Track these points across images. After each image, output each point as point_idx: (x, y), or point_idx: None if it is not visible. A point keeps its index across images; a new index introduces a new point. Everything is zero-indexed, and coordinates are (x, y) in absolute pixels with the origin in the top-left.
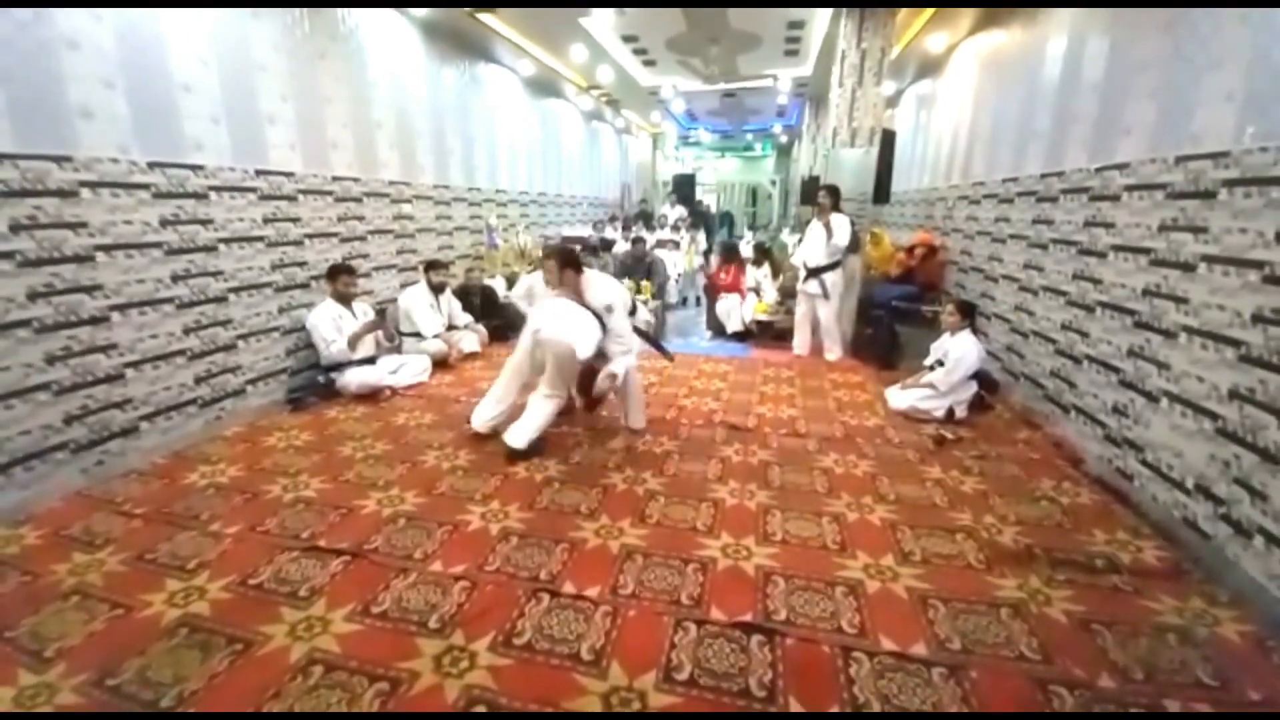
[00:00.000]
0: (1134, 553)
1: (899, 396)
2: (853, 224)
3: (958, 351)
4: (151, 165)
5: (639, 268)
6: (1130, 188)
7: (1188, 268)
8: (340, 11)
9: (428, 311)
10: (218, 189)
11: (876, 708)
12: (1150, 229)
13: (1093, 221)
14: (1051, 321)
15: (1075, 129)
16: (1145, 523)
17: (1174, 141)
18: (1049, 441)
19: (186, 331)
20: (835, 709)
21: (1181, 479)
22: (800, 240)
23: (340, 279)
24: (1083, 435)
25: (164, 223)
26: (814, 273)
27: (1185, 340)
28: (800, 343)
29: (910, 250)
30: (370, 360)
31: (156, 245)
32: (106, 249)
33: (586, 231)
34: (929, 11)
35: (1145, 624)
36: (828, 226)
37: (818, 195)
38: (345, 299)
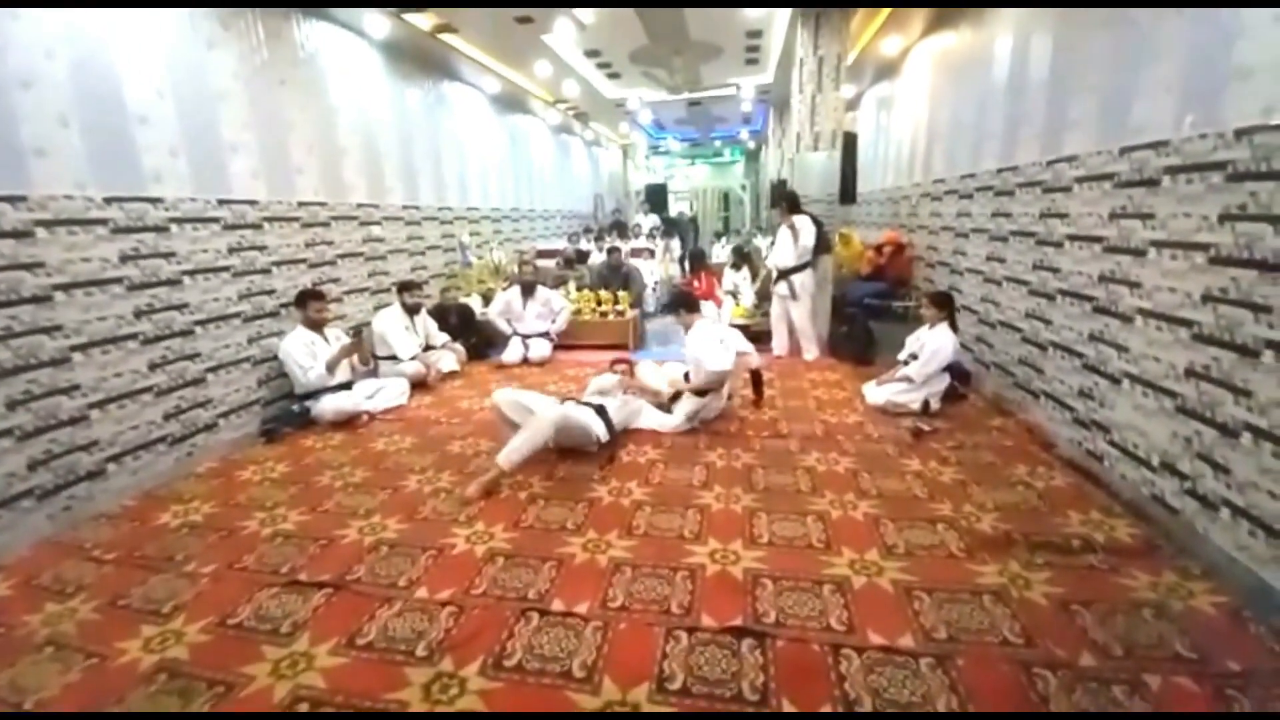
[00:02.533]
0: (1108, 532)
1: (876, 392)
2: (819, 224)
3: (934, 344)
4: (108, 200)
5: (616, 277)
6: (1080, 179)
7: (1138, 253)
8: (299, 36)
9: (403, 334)
10: (179, 220)
11: (868, 703)
12: (1101, 218)
13: (1048, 213)
14: (1016, 311)
15: (1026, 124)
16: (1117, 501)
17: (1118, 133)
18: (1021, 428)
19: (152, 368)
20: (827, 707)
21: (1147, 457)
22: (772, 243)
23: (310, 305)
24: (1053, 420)
25: (124, 258)
26: (783, 274)
27: (1141, 323)
28: (778, 344)
29: (879, 249)
30: (346, 386)
31: (117, 281)
32: (65, 288)
33: (561, 244)
34: (882, 16)
35: (1122, 601)
36: (793, 229)
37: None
38: (317, 325)
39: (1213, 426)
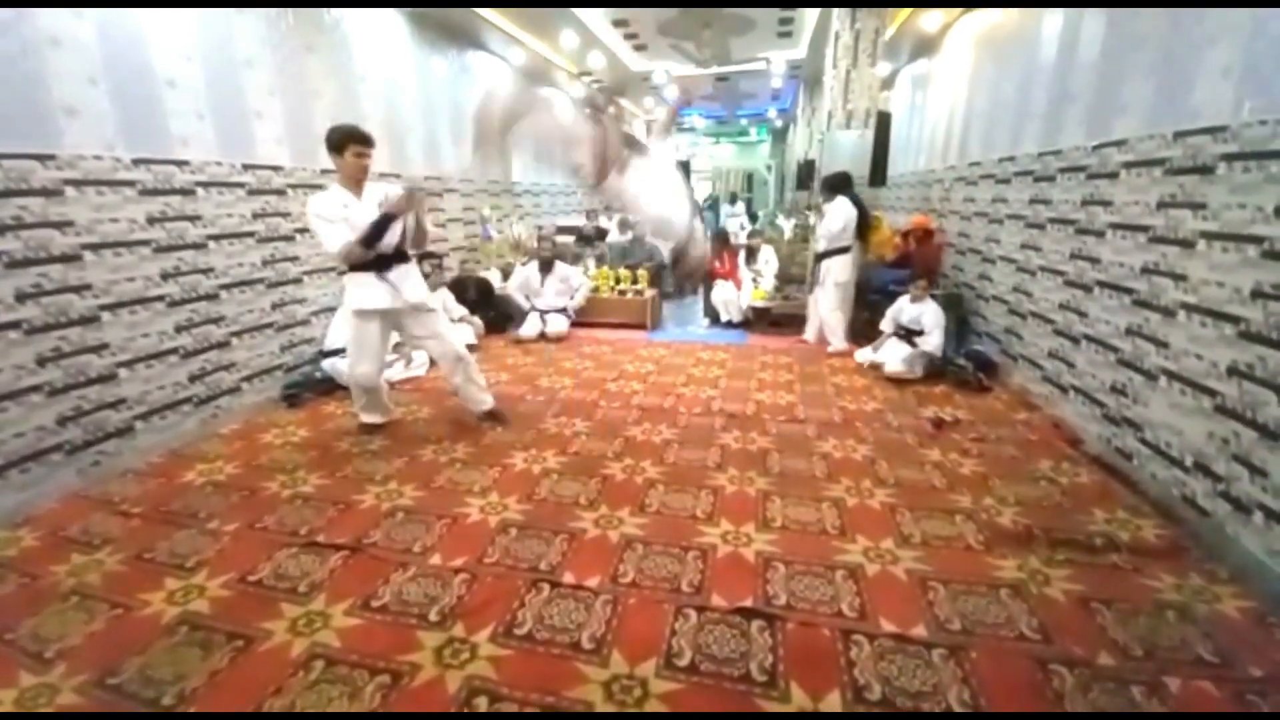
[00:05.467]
0: (1133, 531)
1: (888, 361)
2: (860, 207)
3: (934, 315)
4: (136, 162)
5: (639, 252)
6: (1128, 164)
7: (1186, 244)
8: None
9: None
10: (205, 184)
11: (877, 690)
12: (1148, 206)
13: (1090, 200)
14: (1049, 302)
15: (1072, 106)
16: (1144, 501)
17: (1172, 117)
18: (1048, 422)
19: (179, 330)
20: (836, 692)
21: (1180, 457)
22: (812, 227)
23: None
24: (1081, 415)
25: (151, 220)
26: (818, 259)
27: (1184, 318)
28: (811, 330)
29: (906, 235)
30: None
31: (144, 243)
32: (94, 248)
33: (581, 221)
34: None
35: (1145, 602)
36: (821, 212)
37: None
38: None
39: (1254, 428)
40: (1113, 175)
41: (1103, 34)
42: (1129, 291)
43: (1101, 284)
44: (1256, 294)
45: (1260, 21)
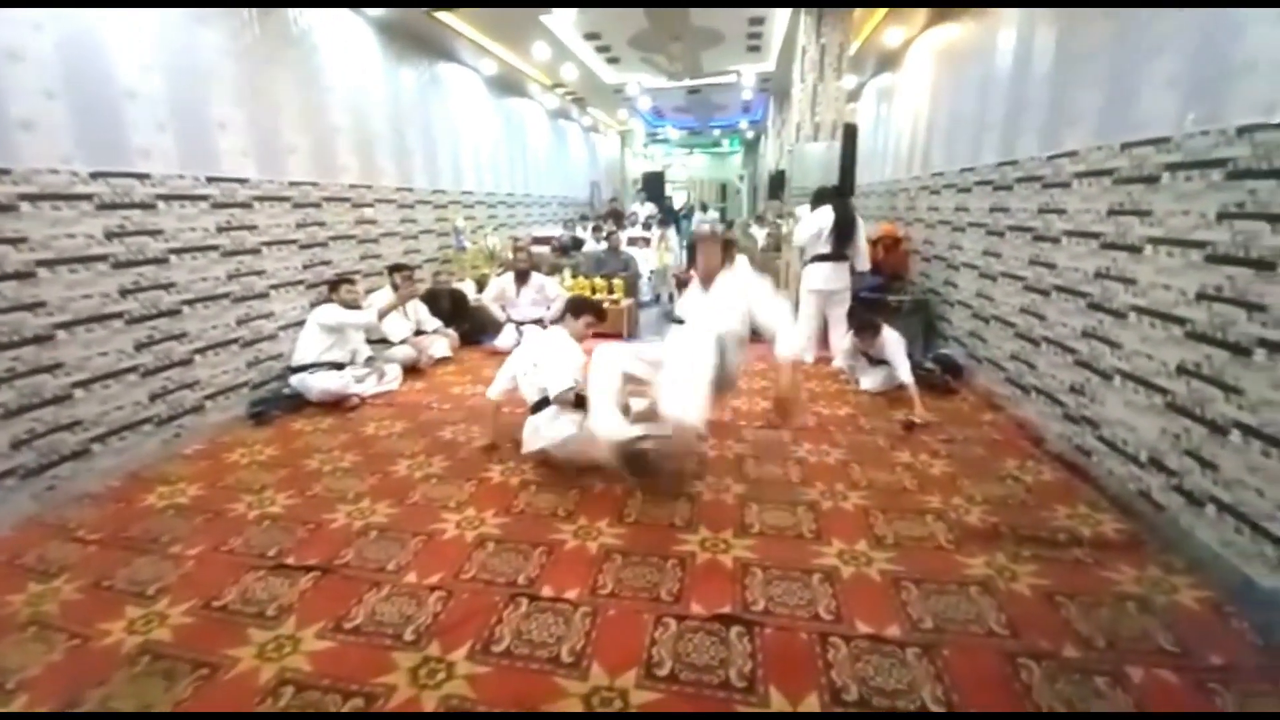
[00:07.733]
0: (1094, 526)
1: (866, 380)
2: (839, 212)
3: (895, 346)
4: (94, 175)
5: (615, 261)
6: (1080, 174)
7: (1135, 250)
8: (291, 13)
9: (394, 316)
10: (166, 198)
11: (854, 691)
12: (1099, 214)
13: (1046, 208)
14: (1011, 306)
15: (1027, 118)
16: (1104, 497)
17: (1119, 128)
18: (1012, 422)
19: (138, 347)
20: (814, 695)
21: (1136, 453)
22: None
23: (342, 289)
24: (1043, 415)
25: (109, 235)
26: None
27: (1135, 320)
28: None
29: (874, 243)
30: (337, 366)
31: (102, 258)
32: (49, 264)
33: (557, 231)
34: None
35: (1106, 594)
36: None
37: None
38: (349, 307)
39: (1202, 423)
40: (1066, 184)
41: (1054, 47)
42: (1084, 295)
43: (1058, 288)
44: (1201, 296)
45: (1204, 32)
